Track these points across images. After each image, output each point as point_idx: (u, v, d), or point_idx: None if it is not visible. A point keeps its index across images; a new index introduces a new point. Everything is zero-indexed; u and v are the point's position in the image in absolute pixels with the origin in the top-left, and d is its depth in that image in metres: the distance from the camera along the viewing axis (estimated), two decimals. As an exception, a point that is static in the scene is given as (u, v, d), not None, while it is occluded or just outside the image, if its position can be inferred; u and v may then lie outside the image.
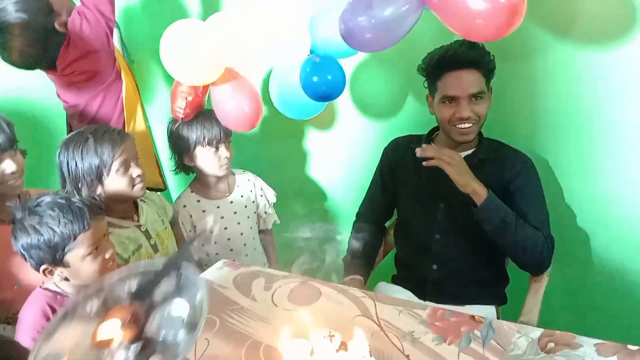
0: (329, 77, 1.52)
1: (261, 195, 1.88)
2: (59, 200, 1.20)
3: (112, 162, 1.41)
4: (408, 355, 1.10)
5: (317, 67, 1.52)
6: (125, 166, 1.43)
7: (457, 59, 1.44)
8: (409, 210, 1.66)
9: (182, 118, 1.66)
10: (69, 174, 1.43)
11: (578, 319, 1.69)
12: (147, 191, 1.58)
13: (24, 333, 1.22)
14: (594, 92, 1.48)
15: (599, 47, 1.43)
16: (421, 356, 1.10)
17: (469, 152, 1.55)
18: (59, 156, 1.45)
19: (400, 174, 1.65)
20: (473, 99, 1.45)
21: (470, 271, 1.56)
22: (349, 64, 1.70)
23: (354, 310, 1.28)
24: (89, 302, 0.89)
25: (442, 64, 1.46)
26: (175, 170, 1.82)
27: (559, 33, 1.47)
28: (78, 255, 1.19)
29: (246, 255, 1.82)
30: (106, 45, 1.75)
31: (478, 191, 1.39)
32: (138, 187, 1.46)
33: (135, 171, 1.45)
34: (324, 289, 1.38)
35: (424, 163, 1.41)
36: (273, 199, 1.90)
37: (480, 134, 1.57)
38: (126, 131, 1.59)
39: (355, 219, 1.77)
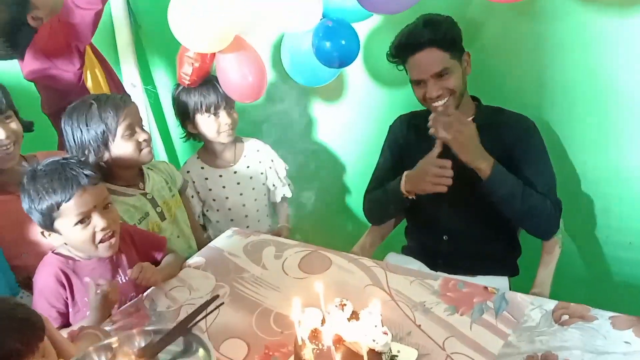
0: (343, 42, 1.48)
1: (270, 168, 1.85)
2: (54, 167, 1.19)
3: (117, 127, 1.40)
4: (420, 325, 1.10)
5: (330, 31, 1.47)
6: (131, 130, 1.42)
7: (412, 42, 1.43)
8: None
9: (188, 84, 1.63)
10: (75, 142, 1.43)
11: (591, 291, 1.67)
12: (155, 160, 1.57)
13: (38, 297, 1.24)
14: (612, 62, 1.43)
15: (620, 12, 1.37)
16: (433, 326, 1.09)
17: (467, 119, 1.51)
18: (63, 126, 1.44)
19: (407, 151, 1.62)
20: (439, 76, 1.43)
21: (481, 242, 1.55)
22: (362, 29, 1.65)
23: (365, 280, 1.27)
24: (99, 355, 0.97)
25: (400, 49, 1.46)
26: (184, 137, 1.80)
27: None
28: (65, 223, 1.18)
29: (247, 227, 1.80)
30: (70, 65, 1.68)
31: (482, 167, 1.38)
32: (145, 151, 1.45)
33: (141, 135, 1.43)
34: (334, 258, 1.37)
35: (430, 132, 1.40)
36: (283, 172, 1.87)
37: (477, 100, 1.55)
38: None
39: (365, 194, 1.75)
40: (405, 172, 1.52)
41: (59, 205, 1.16)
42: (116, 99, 1.43)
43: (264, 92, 1.62)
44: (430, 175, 1.41)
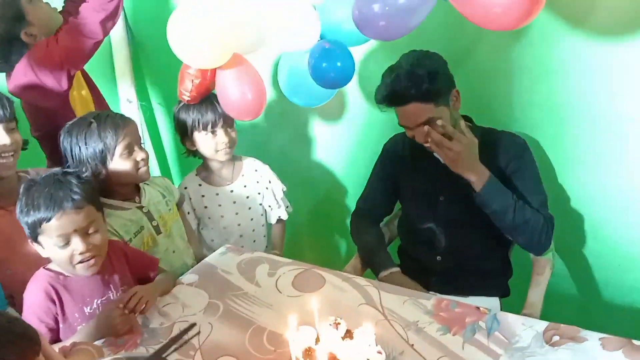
0: (339, 64, 1.50)
1: (267, 188, 1.85)
2: (49, 181, 1.19)
3: (115, 146, 1.40)
4: (412, 345, 1.10)
5: (326, 53, 1.50)
6: (129, 150, 1.42)
7: (395, 97, 1.43)
8: (411, 204, 1.67)
9: (188, 100, 1.64)
10: (73, 160, 1.43)
11: (581, 312, 1.69)
12: (152, 176, 1.58)
13: (28, 312, 1.23)
14: (600, 86, 1.46)
15: (607, 39, 1.41)
16: (426, 346, 1.10)
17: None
18: (62, 143, 1.44)
19: (401, 170, 1.64)
20: (426, 124, 1.42)
21: (474, 262, 1.56)
22: (357, 51, 1.68)
23: (358, 299, 1.28)
24: None
25: (384, 101, 1.46)
26: (185, 153, 1.80)
27: (571, 24, 1.44)
28: (46, 240, 1.18)
29: (242, 246, 1.79)
30: (58, 86, 1.67)
31: (473, 180, 1.39)
32: (143, 170, 1.46)
33: (139, 154, 1.44)
34: (328, 277, 1.38)
35: (426, 145, 1.41)
36: (280, 194, 1.87)
37: (471, 121, 1.55)
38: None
39: (354, 214, 1.76)
40: (390, 271, 1.56)
41: (40, 222, 1.16)
42: (116, 118, 1.45)
43: (263, 110, 1.62)
44: None
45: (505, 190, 1.42)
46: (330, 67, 1.50)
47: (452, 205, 1.54)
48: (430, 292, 1.46)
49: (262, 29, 1.48)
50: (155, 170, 2.52)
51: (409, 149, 1.61)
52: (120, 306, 1.24)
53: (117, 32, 2.34)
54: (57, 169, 1.25)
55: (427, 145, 1.43)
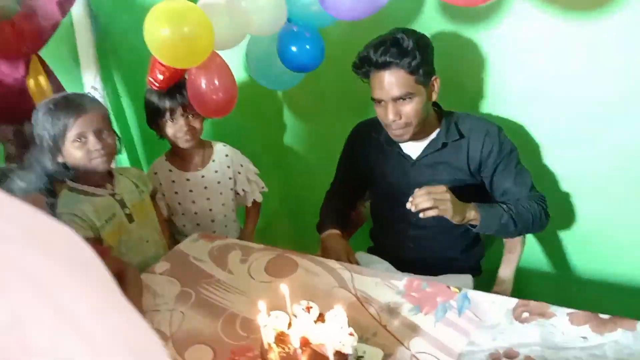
0: (307, 47, 1.48)
1: (239, 172, 1.83)
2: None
3: (65, 133, 1.36)
4: (385, 326, 1.11)
5: (294, 36, 1.47)
6: (81, 138, 1.38)
7: (376, 58, 1.34)
8: (379, 200, 1.65)
9: (157, 87, 1.59)
10: (37, 137, 1.39)
11: (552, 288, 1.72)
12: (127, 166, 1.54)
13: None
14: (574, 63, 1.47)
15: (579, 16, 1.41)
16: (398, 326, 1.11)
17: (432, 136, 1.48)
18: (33, 117, 1.40)
19: (366, 163, 1.59)
20: (400, 100, 1.36)
21: (447, 247, 1.55)
22: (325, 33, 1.66)
23: (331, 282, 1.28)
24: None
25: (364, 62, 1.38)
26: (156, 135, 1.76)
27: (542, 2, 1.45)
28: None
29: (214, 232, 1.77)
30: (14, 72, 1.64)
31: (471, 218, 1.35)
32: (97, 160, 1.40)
33: (92, 144, 1.39)
34: (300, 261, 1.38)
35: (421, 215, 1.30)
36: (253, 177, 1.85)
37: (440, 110, 1.50)
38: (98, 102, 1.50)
39: (324, 199, 1.75)
40: (328, 232, 1.57)
41: None
42: (74, 104, 1.39)
43: (233, 108, 1.59)
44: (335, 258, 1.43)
45: (496, 207, 1.40)
46: (299, 50, 1.47)
47: (424, 169, 1.50)
48: (403, 273, 1.46)
49: (238, 20, 1.44)
50: (124, 158, 2.46)
51: (374, 142, 1.55)
52: None
53: (80, 18, 2.27)
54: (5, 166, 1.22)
55: (393, 129, 1.39)
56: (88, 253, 0.34)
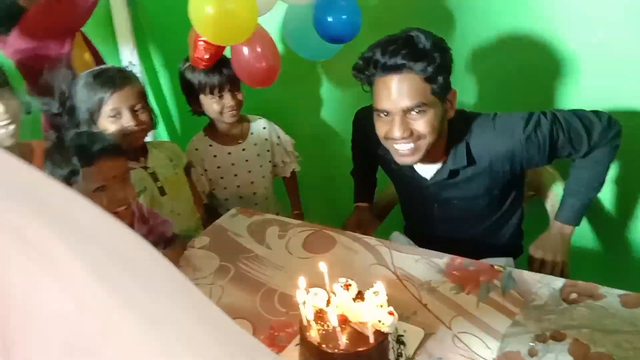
0: (343, 17, 1.43)
1: (278, 144, 1.83)
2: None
3: (100, 108, 1.38)
4: (426, 305, 1.08)
5: (330, 6, 1.42)
6: (116, 113, 1.39)
7: (384, 60, 1.12)
8: (398, 192, 1.57)
9: (204, 66, 1.58)
10: (76, 107, 1.41)
11: (602, 269, 1.65)
12: (162, 140, 1.55)
13: None
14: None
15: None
16: (439, 305, 1.08)
17: (438, 165, 1.30)
18: (72, 90, 1.42)
19: (370, 145, 1.42)
20: (411, 112, 1.15)
21: (482, 235, 1.44)
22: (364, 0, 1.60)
23: (370, 259, 1.26)
24: None
25: (369, 63, 1.16)
26: (191, 112, 1.76)
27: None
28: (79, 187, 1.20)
29: (255, 204, 1.79)
30: (61, 47, 1.64)
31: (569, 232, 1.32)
32: (131, 136, 1.42)
33: (126, 120, 1.40)
34: (338, 237, 1.36)
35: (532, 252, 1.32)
36: (290, 147, 1.85)
37: (463, 113, 1.28)
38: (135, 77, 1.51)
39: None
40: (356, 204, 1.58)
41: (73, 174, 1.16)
42: (113, 79, 1.40)
43: (277, 77, 1.57)
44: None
45: (580, 194, 1.30)
46: (335, 20, 1.42)
47: (441, 190, 1.35)
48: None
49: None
50: (163, 132, 2.49)
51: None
52: None
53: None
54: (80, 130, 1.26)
55: (399, 149, 1.19)
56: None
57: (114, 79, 1.41)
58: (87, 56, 1.79)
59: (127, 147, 1.45)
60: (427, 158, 1.23)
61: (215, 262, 1.33)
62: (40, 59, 1.64)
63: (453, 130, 1.26)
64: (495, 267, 1.18)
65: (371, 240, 1.33)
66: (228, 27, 1.37)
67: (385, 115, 1.18)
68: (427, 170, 1.34)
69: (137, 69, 2.37)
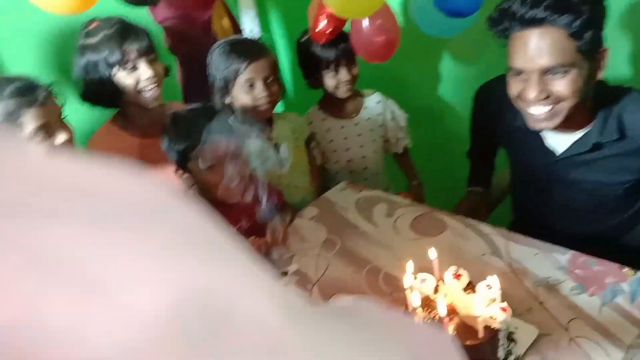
0: None
1: (392, 119, 1.79)
2: (194, 114, 1.26)
3: (236, 78, 1.41)
4: (542, 302, 1.02)
5: None
6: (250, 84, 1.42)
7: (522, 12, 1.00)
8: (517, 177, 1.45)
9: (324, 41, 1.58)
10: (210, 78, 1.47)
11: None
12: (287, 112, 1.58)
13: None
14: None
15: None
16: (557, 305, 1.01)
17: (581, 132, 1.15)
18: (208, 59, 1.48)
19: (492, 123, 1.34)
20: (550, 73, 1.03)
21: (609, 233, 1.30)
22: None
23: (482, 248, 1.20)
24: None
25: (503, 16, 1.04)
26: (307, 84, 1.78)
27: None
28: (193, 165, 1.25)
29: (365, 179, 1.78)
30: (202, 13, 1.74)
31: None
32: (262, 107, 1.45)
33: (260, 91, 1.43)
34: (449, 221, 1.31)
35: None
36: (403, 123, 1.81)
37: (599, 93, 1.11)
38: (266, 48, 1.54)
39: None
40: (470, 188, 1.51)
41: (190, 149, 1.22)
42: (249, 49, 1.44)
43: (394, 52, 1.53)
44: None
45: None
46: None
47: (572, 168, 1.21)
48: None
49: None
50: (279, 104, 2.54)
51: (497, 102, 1.26)
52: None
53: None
54: (197, 105, 1.30)
55: (533, 112, 1.07)
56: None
57: (251, 50, 1.44)
58: (226, 22, 1.87)
59: (257, 118, 1.50)
60: (565, 125, 1.09)
61: (323, 235, 1.35)
62: (184, 25, 1.75)
63: (600, 98, 1.12)
64: (625, 270, 1.07)
65: (485, 227, 1.26)
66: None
67: (518, 74, 1.06)
68: (560, 142, 1.19)
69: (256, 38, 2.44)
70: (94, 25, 1.36)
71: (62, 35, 1.61)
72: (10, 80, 1.11)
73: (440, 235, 1.27)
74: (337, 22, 1.53)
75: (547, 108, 1.06)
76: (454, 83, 1.92)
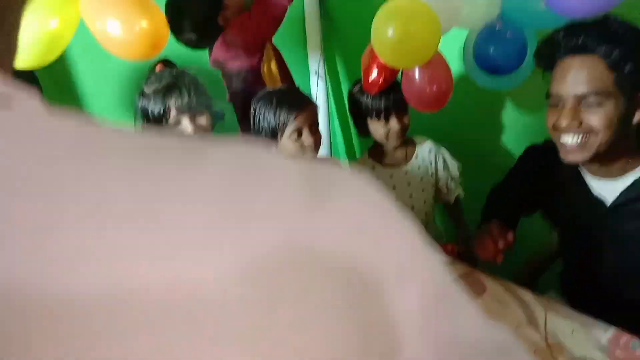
0: (504, 49, 1.32)
1: (443, 168, 1.77)
2: None
3: (285, 127, 1.46)
4: (573, 386, 0.96)
5: (492, 35, 1.32)
6: (298, 133, 1.47)
7: (566, 40, 1.02)
8: (566, 239, 1.37)
9: (375, 91, 1.60)
10: (254, 128, 1.53)
11: None
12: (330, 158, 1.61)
13: None
14: None
15: None
16: (590, 391, 0.95)
17: (632, 175, 1.10)
18: (252, 109, 1.55)
19: (543, 192, 1.33)
20: (585, 101, 1.02)
21: None
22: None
23: (520, 317, 1.15)
24: None
25: (550, 46, 1.07)
26: (357, 132, 1.81)
27: None
28: None
29: (415, 229, 1.77)
30: (252, 57, 1.81)
31: None
32: (308, 154, 1.49)
33: (307, 140, 1.47)
34: (490, 285, 1.27)
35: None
36: (456, 173, 1.78)
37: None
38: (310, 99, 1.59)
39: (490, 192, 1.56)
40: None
41: None
42: (296, 99, 1.50)
43: (447, 102, 1.52)
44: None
45: None
46: (495, 51, 1.32)
47: (625, 220, 1.14)
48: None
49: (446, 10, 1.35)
50: (340, 144, 2.59)
51: (541, 168, 1.29)
52: None
53: (311, 6, 2.41)
54: None
55: (565, 142, 1.07)
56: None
57: (297, 101, 1.49)
58: (273, 65, 1.94)
59: None
60: (610, 169, 1.08)
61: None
62: (234, 68, 1.86)
63: None
64: (676, 356, 0.98)
65: (525, 294, 1.22)
66: (409, 50, 1.35)
67: (556, 103, 1.07)
68: (608, 190, 1.14)
69: (322, 79, 2.50)
70: (155, 72, 1.49)
71: (138, 78, 1.76)
72: None
73: (479, 299, 1.23)
74: (389, 73, 1.54)
75: (578, 138, 1.05)
76: (514, 133, 1.87)
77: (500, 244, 1.17)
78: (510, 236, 1.18)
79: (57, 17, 1.18)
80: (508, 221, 1.41)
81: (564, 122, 1.04)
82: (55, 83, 1.84)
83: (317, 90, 2.49)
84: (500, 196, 1.53)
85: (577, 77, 1.02)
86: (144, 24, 1.24)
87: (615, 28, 1.00)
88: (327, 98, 2.54)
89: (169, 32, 1.39)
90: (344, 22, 2.39)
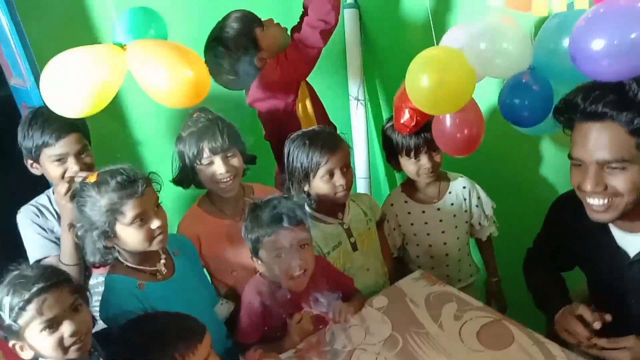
0: (529, 101, 1.32)
1: (477, 206, 1.76)
2: (269, 204, 1.34)
3: (317, 169, 1.49)
4: None
5: (519, 86, 1.31)
6: (330, 174, 1.49)
7: (585, 105, 1.03)
8: (592, 290, 1.38)
9: (408, 132, 1.61)
10: (288, 168, 1.57)
11: None
12: (360, 193, 1.63)
13: (243, 309, 1.43)
14: None
15: None
16: None
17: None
18: (285, 150, 1.58)
19: (572, 245, 1.34)
20: (608, 167, 1.04)
21: None
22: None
23: (546, 372, 1.14)
24: None
25: (567, 108, 1.08)
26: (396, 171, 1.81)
27: None
28: (263, 256, 1.35)
29: (447, 265, 1.75)
30: (287, 97, 1.85)
31: None
32: (340, 194, 1.52)
33: (339, 180, 1.50)
34: (518, 334, 1.26)
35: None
36: (490, 211, 1.76)
37: None
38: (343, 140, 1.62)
39: (526, 255, 1.58)
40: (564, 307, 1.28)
41: (261, 238, 1.32)
42: (328, 141, 1.52)
43: (478, 146, 1.52)
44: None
45: None
46: (520, 102, 1.32)
47: None
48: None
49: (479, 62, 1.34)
50: (380, 169, 2.58)
51: (573, 215, 1.27)
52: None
53: (351, 31, 2.44)
54: (274, 195, 1.41)
55: (592, 203, 1.09)
56: None
57: (330, 142, 1.52)
58: (308, 103, 1.98)
59: (334, 204, 1.58)
60: (634, 221, 1.11)
61: (387, 330, 1.36)
62: (270, 106, 1.90)
63: None
64: None
65: (554, 348, 1.19)
66: (443, 98, 1.36)
67: (579, 165, 1.09)
68: (632, 243, 1.17)
69: (361, 104, 2.52)
70: (192, 117, 1.55)
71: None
72: (113, 174, 1.27)
73: (505, 350, 1.22)
74: (421, 116, 1.54)
75: (604, 201, 1.07)
76: (552, 172, 1.83)
77: (597, 325, 1.16)
78: (608, 317, 1.17)
79: (106, 67, 1.26)
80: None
81: (588, 187, 1.06)
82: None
83: (357, 115, 2.52)
84: (539, 261, 1.53)
85: (597, 143, 1.03)
86: (189, 73, 1.29)
87: (635, 93, 1.00)
88: (367, 123, 2.55)
89: (210, 79, 1.44)
90: (385, 48, 2.41)
